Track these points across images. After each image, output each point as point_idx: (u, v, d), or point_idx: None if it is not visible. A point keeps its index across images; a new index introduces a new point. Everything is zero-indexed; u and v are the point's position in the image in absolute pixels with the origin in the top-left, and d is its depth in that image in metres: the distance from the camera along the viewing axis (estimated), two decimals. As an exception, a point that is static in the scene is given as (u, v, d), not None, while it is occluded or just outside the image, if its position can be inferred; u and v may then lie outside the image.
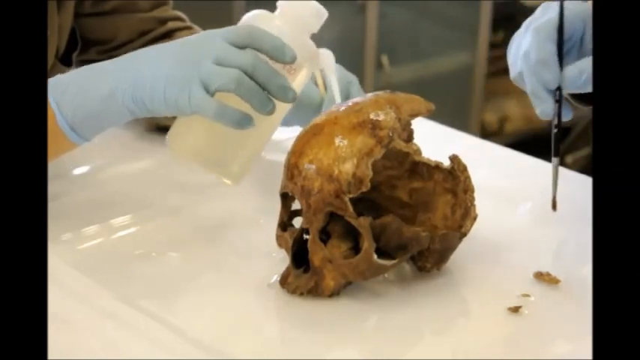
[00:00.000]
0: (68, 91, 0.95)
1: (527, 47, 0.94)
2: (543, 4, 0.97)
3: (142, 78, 0.94)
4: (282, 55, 0.93)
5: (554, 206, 0.92)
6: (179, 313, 0.86)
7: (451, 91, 3.01)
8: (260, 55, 0.92)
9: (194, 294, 0.90)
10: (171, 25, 1.25)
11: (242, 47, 0.92)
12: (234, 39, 0.92)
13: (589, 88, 0.92)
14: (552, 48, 0.92)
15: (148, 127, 1.22)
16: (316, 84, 1.09)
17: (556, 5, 0.95)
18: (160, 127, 1.20)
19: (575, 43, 0.95)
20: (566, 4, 0.94)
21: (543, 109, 0.93)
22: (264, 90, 0.91)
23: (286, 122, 1.06)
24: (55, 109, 0.95)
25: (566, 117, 0.95)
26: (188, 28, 1.27)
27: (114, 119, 0.97)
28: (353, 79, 1.10)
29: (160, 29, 1.25)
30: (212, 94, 0.91)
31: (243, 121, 0.92)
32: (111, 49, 1.22)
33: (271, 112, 0.92)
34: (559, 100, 0.92)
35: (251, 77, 0.91)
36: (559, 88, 0.92)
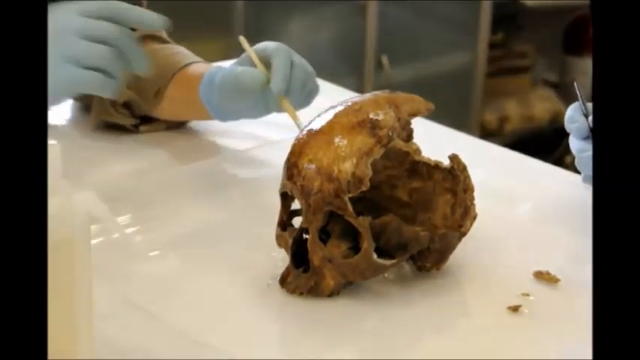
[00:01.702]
0: None
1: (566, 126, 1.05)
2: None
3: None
4: (152, 22, 0.92)
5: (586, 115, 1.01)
6: (179, 313, 0.86)
7: (451, 91, 3.01)
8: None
9: (194, 294, 0.90)
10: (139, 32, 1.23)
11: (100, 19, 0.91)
12: (92, 13, 0.91)
13: None
14: (577, 109, 1.03)
15: (95, 125, 1.22)
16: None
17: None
18: (108, 125, 1.20)
19: None
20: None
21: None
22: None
23: (237, 113, 1.07)
24: None
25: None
26: (155, 37, 1.24)
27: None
28: (312, 70, 1.09)
29: None
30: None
31: (112, 88, 0.92)
32: None
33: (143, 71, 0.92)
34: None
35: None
36: (591, 130, 1.02)
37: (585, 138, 1.02)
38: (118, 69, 0.91)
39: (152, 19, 0.92)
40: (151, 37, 1.24)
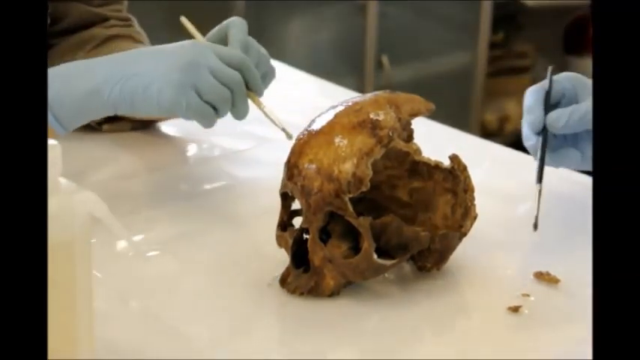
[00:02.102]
0: (54, 82, 0.99)
1: (523, 108, 1.04)
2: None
3: (135, 76, 0.99)
4: (259, 90, 1.03)
5: (535, 226, 0.94)
6: (178, 313, 0.86)
7: (451, 91, 3.01)
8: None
9: (193, 294, 0.90)
10: (113, 30, 1.25)
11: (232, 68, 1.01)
12: (227, 60, 1.01)
13: (575, 129, 1.01)
14: (539, 98, 1.02)
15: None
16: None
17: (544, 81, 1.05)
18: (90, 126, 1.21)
19: (570, 100, 1.03)
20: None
21: (531, 146, 1.03)
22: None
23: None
24: None
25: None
26: (128, 36, 1.26)
27: (95, 113, 1.03)
28: (265, 52, 1.09)
29: (100, 32, 1.24)
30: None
31: (212, 125, 1.02)
32: (52, 35, 1.23)
33: (241, 117, 1.02)
34: (543, 139, 1.01)
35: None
36: (544, 129, 1.01)
37: (537, 133, 1.02)
38: (226, 111, 1.01)
39: (260, 89, 1.04)
40: (123, 37, 1.25)
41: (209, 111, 0.99)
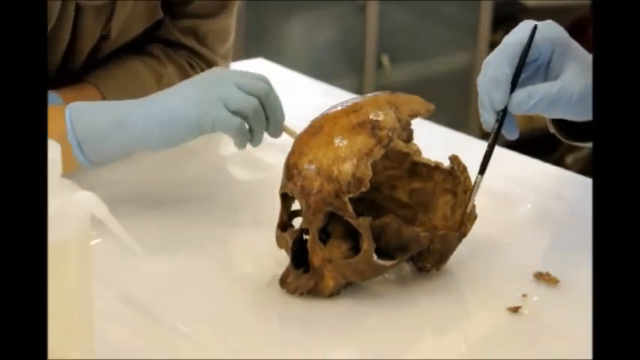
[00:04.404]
0: (85, 112, 1.00)
1: (488, 61, 0.95)
2: (523, 22, 0.98)
3: (162, 102, 1.00)
4: (276, 131, 1.02)
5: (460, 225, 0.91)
6: (178, 314, 0.86)
7: (451, 91, 3.01)
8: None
9: (194, 294, 0.90)
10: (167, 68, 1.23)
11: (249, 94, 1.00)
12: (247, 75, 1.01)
13: (542, 112, 0.93)
14: (508, 70, 0.93)
15: None
16: None
17: (525, 26, 0.95)
18: None
19: (541, 66, 0.95)
20: (538, 26, 0.95)
21: (486, 121, 0.93)
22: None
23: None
24: (69, 124, 0.99)
25: (512, 136, 0.95)
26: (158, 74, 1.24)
27: (121, 146, 1.01)
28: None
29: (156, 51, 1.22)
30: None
31: (246, 143, 1.00)
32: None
33: (256, 145, 1.01)
34: (500, 121, 0.92)
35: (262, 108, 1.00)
36: (504, 110, 0.92)
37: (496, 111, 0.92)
38: (259, 123, 1.00)
39: (280, 111, 1.02)
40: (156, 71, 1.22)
41: (237, 121, 0.98)
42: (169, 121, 0.99)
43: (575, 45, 0.96)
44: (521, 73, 0.93)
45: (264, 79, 1.02)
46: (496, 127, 0.93)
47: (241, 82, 1.00)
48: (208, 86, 1.00)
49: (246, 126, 0.99)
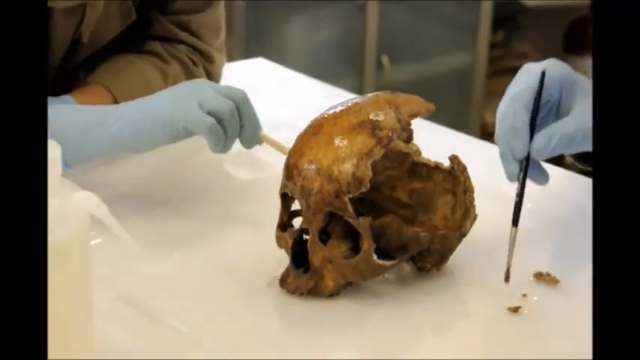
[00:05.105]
0: (63, 113, 1.02)
1: (503, 112, 0.96)
2: (524, 67, 0.99)
3: (137, 103, 1.01)
4: (250, 141, 1.02)
5: (507, 278, 0.89)
6: (178, 314, 0.86)
7: (451, 91, 3.01)
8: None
9: (193, 294, 0.90)
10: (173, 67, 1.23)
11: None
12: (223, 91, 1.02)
13: (563, 151, 0.94)
14: (525, 117, 0.94)
15: None
16: None
17: (530, 71, 0.97)
18: None
19: (552, 107, 0.96)
20: (546, 68, 0.96)
21: (510, 172, 0.94)
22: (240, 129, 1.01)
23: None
24: (48, 123, 0.99)
25: (542, 182, 0.96)
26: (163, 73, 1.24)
27: (97, 147, 1.02)
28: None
29: (157, 49, 1.23)
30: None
31: (221, 146, 1.00)
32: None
33: (225, 151, 1.01)
34: (525, 170, 0.93)
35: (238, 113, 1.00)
36: (527, 158, 0.93)
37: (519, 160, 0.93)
38: (232, 126, 1.00)
39: (251, 136, 1.02)
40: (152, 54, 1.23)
41: (210, 121, 0.98)
42: (142, 118, 0.99)
43: (580, 78, 0.97)
44: (536, 118, 0.94)
45: (241, 90, 1.02)
46: (522, 176, 0.93)
47: (218, 87, 1.01)
48: (185, 89, 1.01)
49: (221, 129, 0.99)
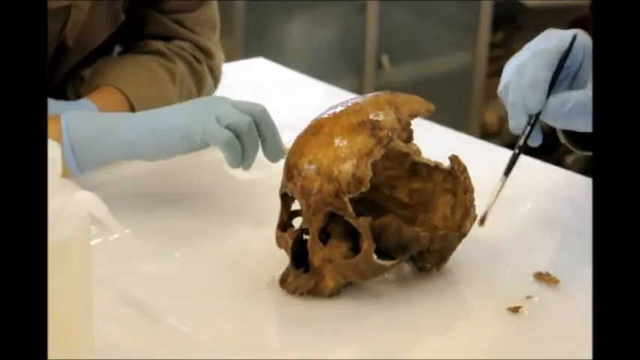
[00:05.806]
0: (80, 119, 1.02)
1: (522, 63, 0.94)
2: (546, 32, 0.97)
3: (155, 113, 1.02)
4: (275, 154, 1.02)
5: (481, 222, 0.87)
6: (178, 314, 0.86)
7: (451, 91, 3.01)
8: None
9: (193, 294, 0.90)
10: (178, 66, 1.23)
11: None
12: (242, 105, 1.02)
13: (570, 123, 0.92)
14: (547, 75, 0.92)
15: None
16: None
17: (558, 34, 0.95)
18: None
19: (569, 75, 0.96)
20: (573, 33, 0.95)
21: (516, 123, 0.92)
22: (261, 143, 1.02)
23: None
24: (64, 128, 1.01)
25: (535, 142, 0.94)
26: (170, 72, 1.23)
27: (111, 152, 1.02)
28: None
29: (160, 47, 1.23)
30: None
31: (238, 161, 1.00)
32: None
33: (246, 167, 1.01)
34: (532, 125, 0.92)
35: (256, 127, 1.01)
36: (537, 115, 0.92)
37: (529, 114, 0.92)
38: (251, 142, 1.00)
39: (274, 149, 1.03)
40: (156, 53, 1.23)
41: (227, 135, 0.98)
42: (162, 128, 1.00)
43: None
44: (557, 79, 0.93)
45: (260, 105, 1.02)
46: (527, 130, 0.92)
47: (236, 103, 1.01)
48: (203, 103, 1.02)
49: (238, 144, 0.99)
